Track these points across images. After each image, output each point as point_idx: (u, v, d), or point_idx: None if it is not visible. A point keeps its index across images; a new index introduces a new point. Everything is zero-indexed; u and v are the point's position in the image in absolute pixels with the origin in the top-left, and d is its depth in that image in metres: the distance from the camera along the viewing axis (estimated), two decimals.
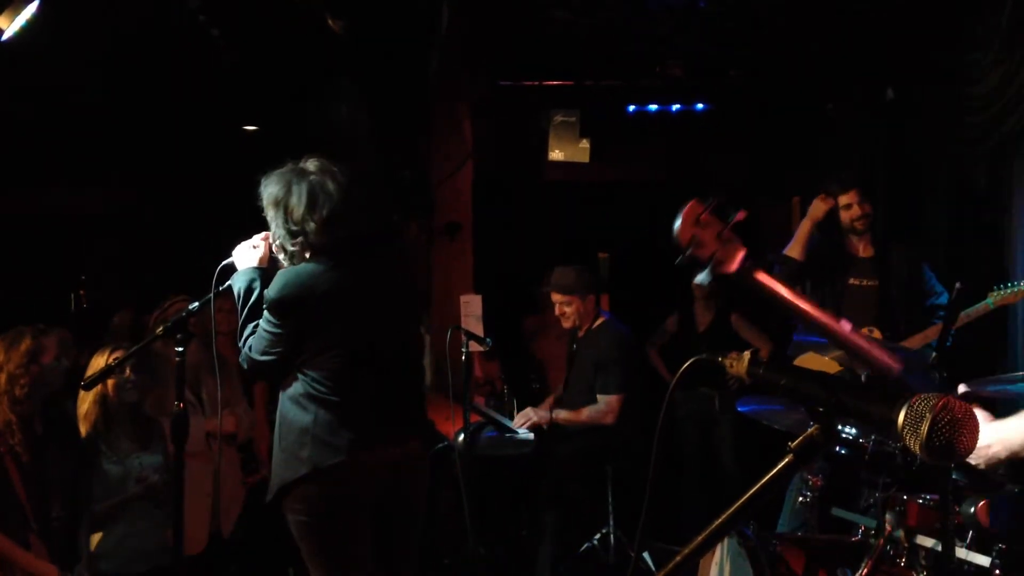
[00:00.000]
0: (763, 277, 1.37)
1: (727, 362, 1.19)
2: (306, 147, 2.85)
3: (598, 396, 4.49)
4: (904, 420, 1.04)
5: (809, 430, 1.09)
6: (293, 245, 2.71)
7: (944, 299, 4.24)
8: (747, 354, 1.17)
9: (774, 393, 1.13)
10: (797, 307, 1.38)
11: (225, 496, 4.04)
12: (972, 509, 2.51)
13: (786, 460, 1.10)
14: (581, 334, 4.69)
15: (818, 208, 4.33)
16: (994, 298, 3.84)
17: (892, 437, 1.41)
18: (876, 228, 4.49)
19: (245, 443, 4.37)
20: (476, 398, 5.16)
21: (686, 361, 1.27)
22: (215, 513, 3.94)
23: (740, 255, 1.35)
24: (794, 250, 4.33)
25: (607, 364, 4.50)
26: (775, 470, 1.10)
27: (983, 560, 2.58)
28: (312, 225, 2.66)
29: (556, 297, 4.65)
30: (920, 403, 1.03)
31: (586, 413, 4.52)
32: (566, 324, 4.69)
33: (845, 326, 1.43)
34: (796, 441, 1.09)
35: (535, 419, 4.60)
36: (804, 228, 4.33)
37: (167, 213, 6.94)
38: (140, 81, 5.48)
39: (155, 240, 6.93)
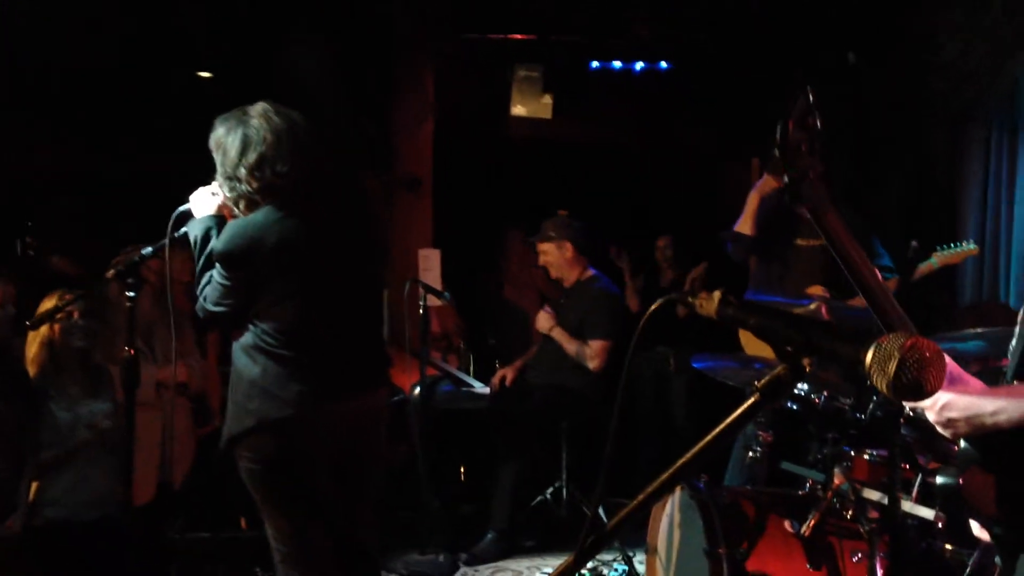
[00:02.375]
0: None
1: (696, 303, 1.18)
2: (264, 97, 2.75)
3: (588, 342, 4.53)
4: (872, 359, 1.04)
5: (776, 370, 1.08)
6: (231, 191, 2.63)
7: (886, 260, 4.28)
8: (717, 294, 1.16)
9: (744, 327, 1.12)
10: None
11: (176, 447, 3.98)
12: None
13: (752, 400, 1.09)
14: (567, 284, 4.68)
15: (767, 184, 4.29)
16: (938, 257, 3.94)
17: (860, 377, 1.39)
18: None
19: (198, 394, 4.32)
20: (433, 353, 5.15)
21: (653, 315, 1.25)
22: (164, 463, 3.89)
23: None
24: (745, 226, 4.28)
25: (593, 312, 4.55)
26: (740, 409, 1.09)
27: (927, 513, 2.66)
28: (243, 171, 2.57)
29: (539, 246, 4.69)
30: (889, 343, 1.03)
31: (576, 347, 4.53)
32: (552, 274, 4.69)
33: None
34: (762, 381, 1.08)
35: (509, 375, 4.75)
36: (752, 203, 4.26)
37: (121, 166, 6.74)
38: (94, 32, 5.27)
39: (108, 193, 6.74)
